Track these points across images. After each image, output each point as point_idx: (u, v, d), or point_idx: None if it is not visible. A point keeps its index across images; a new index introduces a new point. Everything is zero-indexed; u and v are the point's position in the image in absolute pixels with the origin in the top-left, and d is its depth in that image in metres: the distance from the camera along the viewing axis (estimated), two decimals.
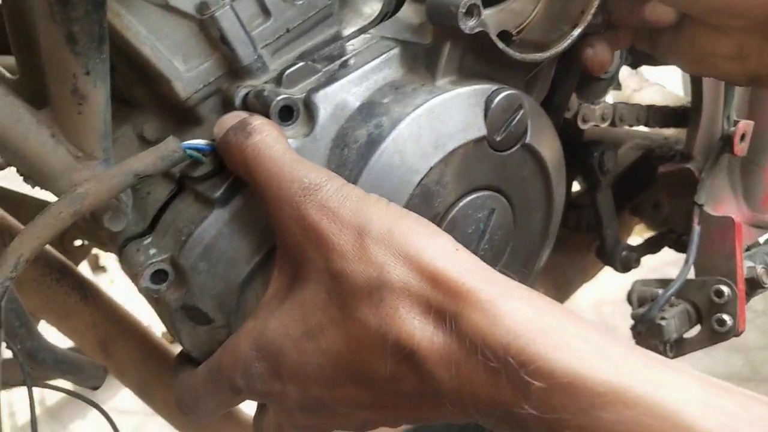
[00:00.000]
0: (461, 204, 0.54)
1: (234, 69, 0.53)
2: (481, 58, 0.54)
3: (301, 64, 0.52)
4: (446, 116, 0.51)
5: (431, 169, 0.51)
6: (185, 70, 0.51)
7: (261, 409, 0.54)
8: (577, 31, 0.54)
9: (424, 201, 0.52)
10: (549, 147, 0.58)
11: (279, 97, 0.49)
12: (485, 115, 0.52)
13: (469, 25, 0.49)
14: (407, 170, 0.50)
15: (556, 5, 0.56)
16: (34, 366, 0.55)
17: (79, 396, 0.60)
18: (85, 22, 0.41)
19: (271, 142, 0.46)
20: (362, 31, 0.57)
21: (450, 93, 0.51)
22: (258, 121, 0.47)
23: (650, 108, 0.81)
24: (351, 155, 0.50)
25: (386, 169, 0.49)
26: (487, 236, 0.56)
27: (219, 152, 0.49)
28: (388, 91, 0.52)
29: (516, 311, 0.37)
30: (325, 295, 0.43)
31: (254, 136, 0.46)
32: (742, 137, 0.77)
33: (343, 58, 0.54)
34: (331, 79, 0.52)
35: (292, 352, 0.44)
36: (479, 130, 0.52)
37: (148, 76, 0.52)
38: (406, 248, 0.41)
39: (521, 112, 0.54)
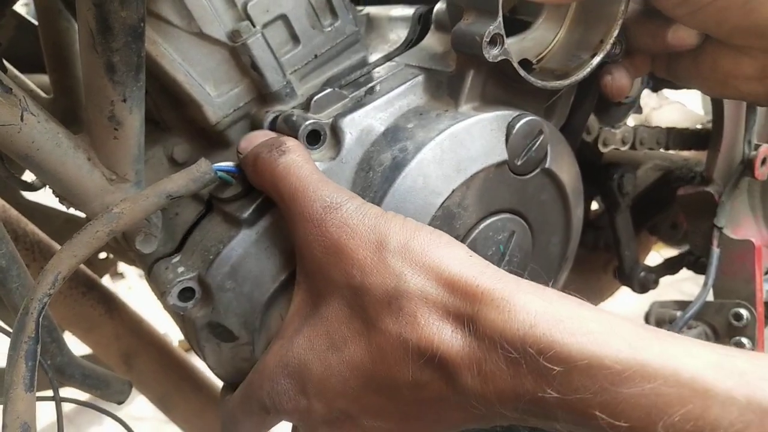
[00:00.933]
0: (482, 226, 0.55)
1: (263, 94, 0.54)
2: (503, 86, 0.55)
3: (328, 90, 0.54)
4: (468, 141, 0.52)
5: (453, 191, 0.52)
6: (216, 95, 0.53)
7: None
8: (596, 60, 0.55)
9: (446, 222, 0.53)
10: (568, 171, 0.59)
11: (307, 122, 0.51)
12: (506, 141, 0.53)
13: (492, 54, 0.50)
14: (430, 193, 0.51)
15: (575, 34, 0.57)
16: (62, 380, 0.56)
17: (98, 408, 0.61)
18: (124, 53, 0.42)
19: (301, 162, 0.47)
20: (388, 57, 0.58)
21: (472, 119, 0.52)
22: (292, 142, 0.49)
23: (670, 131, 0.81)
24: (376, 178, 0.51)
25: (410, 191, 0.50)
26: (506, 258, 0.57)
27: (245, 166, 0.50)
28: (413, 116, 0.53)
29: (530, 304, 0.38)
30: (347, 309, 0.44)
31: (288, 154, 0.47)
32: (763, 161, 0.77)
33: (369, 85, 0.55)
34: (358, 105, 0.53)
35: (317, 366, 0.45)
36: (500, 154, 0.53)
37: (179, 101, 0.54)
38: (422, 258, 0.42)
39: (541, 137, 0.55)
